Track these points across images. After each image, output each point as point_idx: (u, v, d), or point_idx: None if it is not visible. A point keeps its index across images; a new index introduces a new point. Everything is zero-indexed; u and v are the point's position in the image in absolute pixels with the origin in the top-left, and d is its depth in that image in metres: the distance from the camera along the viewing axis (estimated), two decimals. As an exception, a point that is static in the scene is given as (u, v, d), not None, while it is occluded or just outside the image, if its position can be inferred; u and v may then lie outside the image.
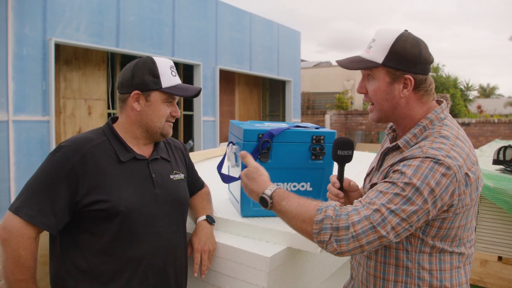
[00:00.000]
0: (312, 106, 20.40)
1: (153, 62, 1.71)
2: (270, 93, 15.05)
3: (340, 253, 1.35)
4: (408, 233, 1.36)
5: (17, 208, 1.54)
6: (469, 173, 1.39)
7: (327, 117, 16.73)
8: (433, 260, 1.46)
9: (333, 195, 1.67)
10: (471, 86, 23.20)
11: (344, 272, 2.60)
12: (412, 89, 1.49)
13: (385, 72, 1.49)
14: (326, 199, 2.09)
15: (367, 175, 1.75)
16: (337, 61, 1.61)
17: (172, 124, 1.78)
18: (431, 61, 1.53)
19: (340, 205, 1.40)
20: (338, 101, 19.43)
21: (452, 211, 1.39)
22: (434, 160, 1.35)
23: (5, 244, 1.53)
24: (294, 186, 2.07)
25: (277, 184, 2.02)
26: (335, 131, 2.10)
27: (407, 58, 1.46)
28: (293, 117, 14.14)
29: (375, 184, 1.55)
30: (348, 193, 1.71)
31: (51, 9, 7.11)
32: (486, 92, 43.44)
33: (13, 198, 6.46)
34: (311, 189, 2.09)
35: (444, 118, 1.53)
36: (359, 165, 3.07)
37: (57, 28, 7.20)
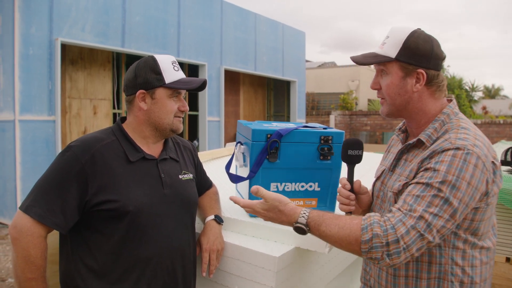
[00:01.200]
0: (316, 106, 20.38)
1: (154, 60, 1.71)
2: (274, 93, 15.05)
3: (393, 265, 1.34)
4: (451, 231, 1.39)
5: (27, 207, 1.54)
6: (494, 161, 1.42)
7: (332, 118, 16.71)
8: (466, 257, 1.46)
9: (343, 197, 1.67)
10: (476, 87, 23.14)
11: (351, 272, 2.60)
12: (424, 84, 1.52)
13: (398, 67, 1.52)
14: (333, 199, 2.09)
15: (378, 178, 1.73)
16: (351, 57, 1.63)
17: (181, 119, 1.78)
18: (443, 57, 1.55)
19: (382, 218, 1.37)
20: (342, 102, 19.41)
21: (484, 201, 1.41)
22: (465, 151, 1.36)
23: (15, 243, 1.53)
24: (302, 186, 2.07)
25: (285, 185, 2.03)
26: (343, 131, 2.10)
27: (420, 53, 1.50)
28: (298, 118, 14.13)
29: (401, 187, 1.53)
30: (358, 196, 1.70)
31: (57, 9, 7.13)
32: (491, 93, 43.26)
33: (19, 197, 6.49)
34: (319, 189, 2.09)
35: (458, 113, 1.56)
36: (364, 166, 3.06)
37: (63, 28, 7.23)
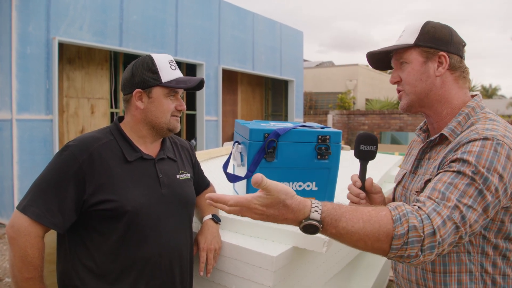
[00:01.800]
0: (314, 106, 20.38)
1: (151, 59, 1.71)
2: (272, 92, 15.04)
3: (423, 263, 1.17)
4: (481, 229, 1.25)
5: (24, 207, 1.54)
6: None
7: (330, 117, 16.72)
8: (497, 264, 1.34)
9: (353, 195, 1.57)
10: (474, 86, 23.20)
11: (349, 272, 2.61)
12: (447, 68, 1.45)
13: (418, 52, 1.46)
14: (331, 199, 2.09)
15: (399, 183, 1.63)
16: (367, 55, 1.59)
17: (179, 118, 1.78)
18: (464, 44, 1.49)
19: (412, 207, 1.19)
20: (340, 101, 19.41)
21: (498, 196, 1.23)
22: (495, 141, 1.24)
23: (12, 243, 1.53)
24: (300, 186, 2.07)
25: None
26: (341, 131, 2.10)
27: (439, 37, 1.45)
28: (296, 117, 14.14)
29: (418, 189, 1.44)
30: (369, 195, 1.60)
31: (54, 8, 7.12)
32: (489, 93, 43.34)
33: (16, 196, 6.48)
34: (316, 188, 2.09)
35: (484, 107, 1.47)
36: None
37: (60, 27, 7.21)
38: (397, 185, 1.64)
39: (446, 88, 1.46)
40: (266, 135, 1.96)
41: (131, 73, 1.72)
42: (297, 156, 2.01)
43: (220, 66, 10.89)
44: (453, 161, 1.27)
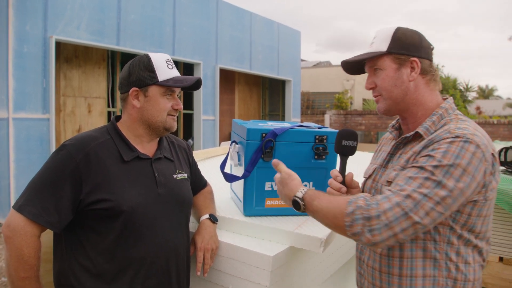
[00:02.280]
0: (311, 105, 20.40)
1: (148, 58, 1.71)
2: (270, 92, 15.05)
3: (374, 244, 1.31)
4: (442, 218, 1.33)
5: (21, 206, 1.53)
6: (494, 154, 1.39)
7: (327, 117, 16.73)
8: (460, 253, 1.43)
9: (334, 189, 1.62)
10: (470, 87, 23.24)
11: (345, 271, 2.61)
12: (419, 72, 1.52)
13: (391, 59, 1.53)
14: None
15: (369, 176, 1.70)
16: (342, 63, 1.64)
17: (175, 117, 1.77)
18: (432, 47, 1.58)
19: (371, 196, 1.37)
20: (337, 101, 19.43)
21: (482, 194, 1.37)
22: (464, 139, 1.33)
23: (9, 242, 1.53)
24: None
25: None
26: (338, 131, 2.10)
27: (410, 43, 1.52)
28: (293, 117, 14.14)
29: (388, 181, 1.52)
30: (349, 189, 1.65)
31: (52, 6, 7.10)
32: (485, 93, 43.47)
33: (13, 196, 6.46)
34: (313, 188, 2.09)
35: (456, 109, 1.55)
36: (359, 166, 3.06)
37: (58, 26, 7.19)
38: (367, 179, 1.71)
39: (419, 91, 1.54)
40: (264, 135, 1.96)
41: (128, 72, 1.72)
42: (295, 156, 2.01)
43: (218, 65, 10.89)
44: (422, 156, 1.38)
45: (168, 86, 1.70)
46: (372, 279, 1.57)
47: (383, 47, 1.53)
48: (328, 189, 1.65)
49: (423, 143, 1.44)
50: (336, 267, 2.41)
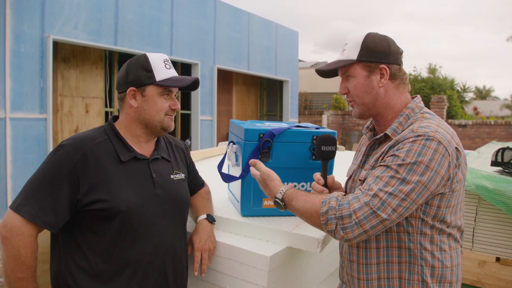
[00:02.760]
0: (309, 106, 20.41)
1: (145, 58, 1.71)
2: (267, 93, 15.05)
3: (348, 240, 1.42)
4: (410, 211, 1.43)
5: (18, 207, 1.53)
6: (458, 148, 1.49)
7: (324, 118, 16.74)
8: (434, 241, 1.52)
9: (318, 192, 1.71)
10: (468, 88, 23.28)
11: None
12: (388, 78, 1.60)
13: (361, 67, 1.61)
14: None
15: (349, 177, 1.78)
16: (316, 70, 1.74)
17: (173, 118, 1.77)
18: (401, 52, 1.64)
19: (343, 196, 1.47)
20: (335, 102, 19.43)
21: (448, 186, 1.47)
22: (425, 137, 1.43)
23: (5, 242, 1.52)
24: (295, 186, 2.07)
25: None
26: (336, 131, 2.10)
27: (378, 50, 1.59)
28: (290, 117, 14.15)
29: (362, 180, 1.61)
30: (331, 191, 1.73)
31: (49, 6, 7.09)
32: (482, 94, 43.57)
33: (9, 196, 6.44)
34: (311, 189, 2.09)
35: (423, 108, 1.64)
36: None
37: (55, 26, 7.18)
38: (348, 179, 1.79)
39: (389, 96, 1.62)
40: (261, 135, 1.96)
41: (126, 72, 1.71)
42: (292, 156, 2.01)
43: (215, 65, 10.89)
44: (388, 156, 1.48)
45: (165, 86, 1.70)
46: (351, 270, 1.65)
47: (353, 55, 1.60)
48: (312, 192, 1.73)
49: (390, 143, 1.53)
50: (333, 267, 2.42)
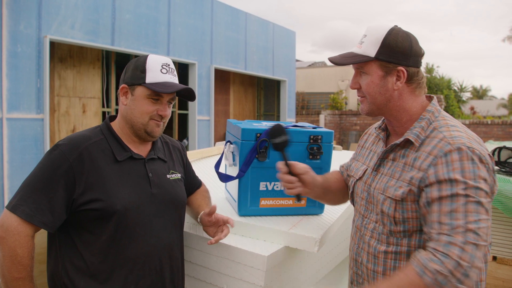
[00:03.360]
0: (306, 106, 20.41)
1: (145, 58, 1.70)
2: (265, 92, 15.05)
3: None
4: None
5: (14, 206, 1.53)
6: (490, 155, 1.44)
7: (322, 117, 16.75)
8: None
9: (285, 181, 1.71)
10: (465, 87, 23.36)
11: (340, 271, 2.61)
12: (405, 81, 1.52)
13: (378, 66, 1.51)
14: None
15: (359, 178, 1.69)
16: (329, 58, 1.61)
17: (159, 123, 1.72)
18: (422, 54, 1.55)
19: (426, 252, 1.32)
20: (332, 101, 19.44)
21: (490, 196, 1.39)
22: (469, 150, 1.36)
23: (2, 242, 1.52)
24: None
25: (274, 184, 2.02)
26: (333, 131, 2.10)
27: (399, 51, 1.49)
28: (288, 117, 14.15)
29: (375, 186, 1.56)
30: (299, 176, 1.72)
31: (46, 6, 7.07)
32: (479, 94, 43.66)
33: (6, 196, 6.43)
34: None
35: (441, 111, 1.57)
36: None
37: (52, 26, 7.17)
38: (357, 180, 1.71)
39: (403, 99, 1.55)
40: (258, 134, 1.96)
41: (125, 69, 1.74)
42: (289, 156, 2.01)
43: (213, 65, 10.88)
44: (440, 181, 1.36)
45: (151, 89, 1.66)
46: (374, 280, 1.56)
47: (372, 51, 1.51)
48: (282, 182, 1.74)
49: (420, 154, 1.45)
50: (331, 266, 2.42)
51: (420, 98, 1.57)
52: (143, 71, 1.68)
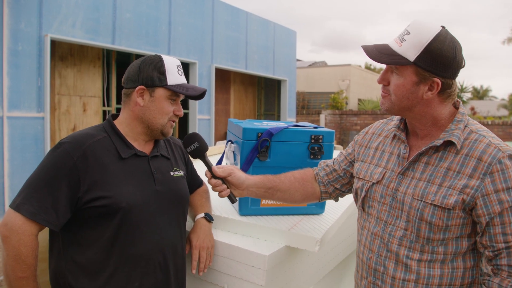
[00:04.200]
0: (307, 105, 20.42)
1: (160, 60, 1.71)
2: (265, 92, 15.05)
3: None
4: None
5: (18, 205, 1.53)
6: None
7: (322, 117, 16.75)
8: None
9: (212, 185, 1.71)
10: (465, 88, 23.33)
11: (341, 271, 2.62)
12: (437, 93, 1.44)
13: (414, 71, 1.42)
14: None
15: (378, 182, 1.59)
16: (363, 47, 1.49)
17: (173, 124, 1.78)
18: (463, 65, 1.45)
19: (496, 278, 1.37)
20: (333, 101, 19.44)
21: None
22: None
23: (6, 241, 1.52)
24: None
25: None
26: (333, 130, 2.11)
27: (441, 61, 1.39)
28: (288, 117, 14.15)
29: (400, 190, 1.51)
30: (225, 179, 1.71)
31: (47, 5, 7.07)
32: (480, 94, 43.66)
33: (7, 195, 6.43)
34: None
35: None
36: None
37: (53, 24, 7.17)
38: (375, 184, 1.61)
39: (431, 107, 1.47)
40: (259, 134, 1.97)
41: (138, 69, 1.71)
42: (290, 155, 2.02)
43: (213, 65, 10.88)
44: (497, 191, 1.36)
45: (176, 91, 1.71)
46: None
47: (412, 55, 1.39)
48: (212, 188, 1.73)
49: (462, 159, 1.42)
50: (331, 266, 2.43)
51: (448, 106, 1.50)
52: (162, 73, 1.70)
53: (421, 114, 1.49)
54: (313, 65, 25.97)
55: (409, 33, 1.41)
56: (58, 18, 7.26)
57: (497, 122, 15.33)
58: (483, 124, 15.17)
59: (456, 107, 1.54)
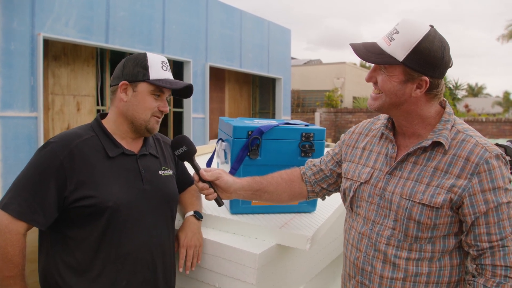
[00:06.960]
0: (302, 103, 20.44)
1: (144, 56, 1.71)
2: (260, 90, 15.05)
3: None
4: None
5: (5, 205, 1.53)
6: None
7: (317, 115, 16.77)
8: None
9: (200, 189, 1.66)
10: (460, 85, 23.40)
11: (332, 270, 2.61)
12: (424, 91, 1.44)
13: (402, 71, 1.42)
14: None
15: (366, 181, 1.58)
16: (351, 45, 1.50)
17: (159, 120, 1.75)
18: (450, 65, 1.46)
19: (481, 278, 1.38)
20: (328, 99, 19.47)
21: None
22: (501, 156, 1.40)
23: None
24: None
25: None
26: (325, 128, 2.10)
27: (429, 61, 1.39)
28: (283, 115, 14.16)
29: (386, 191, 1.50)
30: (212, 183, 1.66)
31: (40, 3, 7.04)
32: (474, 92, 43.85)
33: (0, 195, 6.40)
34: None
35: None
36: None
37: (46, 23, 7.13)
38: (363, 184, 1.60)
39: (418, 105, 1.48)
40: (250, 132, 1.96)
41: (122, 65, 1.72)
42: (281, 153, 2.01)
43: (207, 63, 10.87)
44: (484, 191, 1.37)
45: (157, 85, 1.69)
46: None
47: (400, 54, 1.39)
48: (200, 190, 1.68)
49: (449, 159, 1.43)
50: (323, 265, 2.42)
51: (434, 105, 1.50)
52: (145, 68, 1.69)
53: (408, 112, 1.49)
54: (308, 63, 25.99)
55: (398, 32, 1.41)
56: (51, 17, 7.23)
57: (491, 119, 15.40)
58: (478, 121, 15.26)
59: (442, 106, 1.54)
